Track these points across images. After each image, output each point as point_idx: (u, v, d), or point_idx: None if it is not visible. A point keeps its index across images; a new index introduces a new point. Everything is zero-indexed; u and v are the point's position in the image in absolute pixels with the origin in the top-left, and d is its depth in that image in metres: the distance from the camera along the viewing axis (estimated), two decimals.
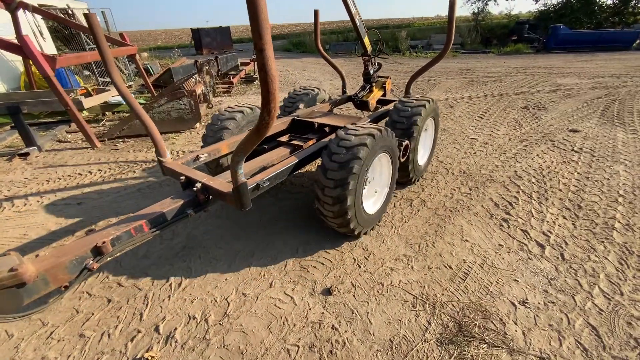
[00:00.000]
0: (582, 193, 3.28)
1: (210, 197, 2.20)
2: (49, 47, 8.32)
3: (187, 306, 2.12)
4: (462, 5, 24.73)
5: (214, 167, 3.16)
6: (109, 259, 1.86)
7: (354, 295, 2.15)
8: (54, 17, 7.13)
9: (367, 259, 2.48)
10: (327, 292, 2.18)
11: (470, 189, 3.45)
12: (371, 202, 2.82)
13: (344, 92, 4.60)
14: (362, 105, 4.19)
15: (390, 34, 19.57)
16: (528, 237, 2.66)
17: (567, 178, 3.58)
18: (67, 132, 5.99)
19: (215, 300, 2.15)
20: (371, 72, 4.26)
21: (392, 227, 2.87)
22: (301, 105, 4.00)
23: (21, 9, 6.63)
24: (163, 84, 8.92)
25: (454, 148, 4.54)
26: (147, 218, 1.88)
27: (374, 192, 2.86)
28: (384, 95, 4.46)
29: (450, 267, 2.37)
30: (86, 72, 9.85)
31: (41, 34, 7.91)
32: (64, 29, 8.09)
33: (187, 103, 5.79)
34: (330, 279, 2.30)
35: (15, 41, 5.05)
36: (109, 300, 2.18)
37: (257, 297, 2.16)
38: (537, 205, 3.10)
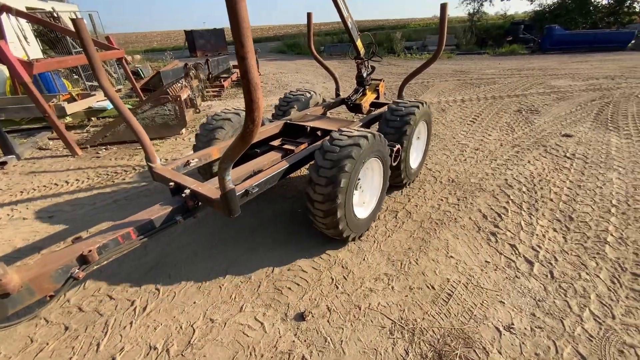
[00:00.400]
0: (573, 203, 3.15)
1: (199, 203, 2.18)
2: (34, 51, 8.16)
3: (150, 334, 1.97)
4: (457, 6, 24.81)
5: (204, 172, 3.09)
6: (95, 267, 1.79)
7: (328, 321, 2.01)
8: (38, 21, 6.97)
9: (345, 279, 2.34)
10: (300, 317, 2.04)
11: (459, 199, 3.32)
12: (362, 207, 2.79)
13: (337, 95, 4.57)
14: (355, 108, 4.16)
15: (385, 35, 19.49)
16: (516, 252, 2.54)
17: (558, 187, 3.46)
18: (49, 139, 5.83)
19: (181, 327, 2.01)
20: (364, 74, 4.23)
21: (374, 242, 2.73)
22: (294, 109, 3.96)
23: (4, 13, 6.48)
24: (152, 87, 8.76)
25: (444, 154, 4.41)
26: (135, 225, 1.86)
27: (364, 197, 2.84)
28: (377, 98, 4.43)
29: (433, 288, 2.24)
30: (75, 76, 9.69)
31: (25, 38, 7.75)
32: (50, 32, 7.92)
33: (172, 109, 5.64)
34: (305, 302, 2.16)
35: None
36: (67, 328, 2.03)
37: (225, 324, 2.02)
38: (527, 217, 2.97)
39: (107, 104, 6.51)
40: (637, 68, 10.07)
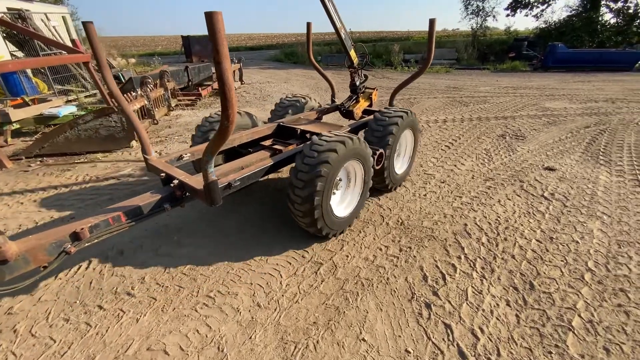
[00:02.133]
0: (540, 263, 2.55)
1: (187, 193, 2.40)
2: (1, 51, 7.83)
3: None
4: (460, 20, 24.35)
5: (200, 168, 3.18)
6: (86, 244, 1.92)
7: None
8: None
9: None
10: None
11: (401, 250, 2.74)
12: (342, 207, 2.92)
13: (332, 101, 4.78)
14: (348, 114, 4.29)
15: (384, 47, 19.07)
16: (449, 338, 1.94)
17: (526, 238, 2.86)
18: None
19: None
20: (357, 83, 4.37)
21: (276, 309, 2.16)
22: (289, 112, 4.18)
23: None
24: (124, 94, 8.36)
25: (403, 187, 3.83)
26: (125, 209, 2.05)
27: (345, 196, 2.99)
28: (370, 105, 4.55)
29: None
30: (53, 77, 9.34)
31: None
32: (18, 33, 7.61)
33: (118, 120, 5.16)
34: None
35: None
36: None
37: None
38: (477, 282, 2.37)
39: (60, 111, 6.07)
40: None
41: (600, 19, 19.65)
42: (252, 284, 2.38)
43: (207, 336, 1.96)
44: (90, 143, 5.17)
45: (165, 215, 3.18)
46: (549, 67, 14.80)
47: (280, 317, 2.10)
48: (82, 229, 1.83)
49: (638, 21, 19.41)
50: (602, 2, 20.12)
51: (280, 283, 2.39)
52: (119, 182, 4.07)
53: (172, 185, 2.33)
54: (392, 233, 2.97)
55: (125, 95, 5.89)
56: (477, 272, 2.47)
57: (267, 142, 3.44)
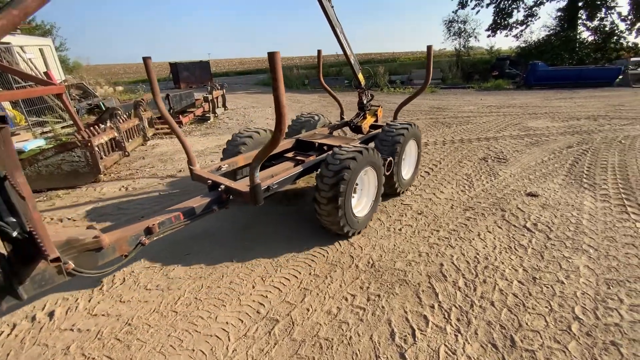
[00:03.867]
0: (521, 311, 2.27)
1: (231, 197, 2.80)
2: None
3: None
4: (443, 41, 25.03)
5: (231, 178, 3.48)
6: (155, 238, 2.28)
7: None
8: None
9: None
10: None
11: (369, 299, 2.45)
12: (359, 208, 3.34)
13: (342, 118, 5.29)
14: (356, 129, 4.85)
15: (370, 69, 19.34)
16: None
17: (507, 280, 2.59)
18: None
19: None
20: (364, 101, 4.89)
21: None
22: (303, 129, 4.73)
23: None
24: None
25: (378, 220, 3.58)
26: (183, 210, 2.46)
27: (362, 199, 3.41)
28: (376, 121, 5.07)
29: None
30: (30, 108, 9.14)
31: None
32: None
33: (82, 155, 4.91)
34: None
35: None
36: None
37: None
38: (451, 338, 2.09)
39: (26, 145, 5.82)
40: (623, 106, 9.48)
41: (578, 37, 20.31)
42: (194, 350, 2.07)
43: None
44: (52, 179, 4.89)
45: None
46: (531, 85, 15.03)
47: None
48: (153, 225, 2.25)
49: (615, 38, 20.10)
50: (579, 21, 20.90)
51: (227, 348, 2.07)
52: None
53: (219, 189, 2.78)
54: (361, 278, 2.69)
55: (96, 126, 5.68)
56: (451, 325, 2.19)
57: (290, 154, 4.01)
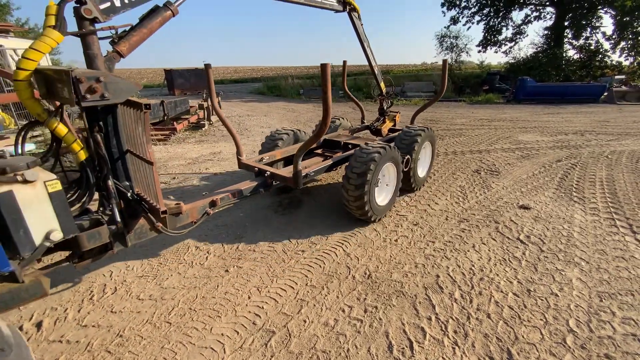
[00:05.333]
0: (517, 324, 2.29)
1: (274, 182, 3.40)
2: None
3: None
4: (435, 55, 25.70)
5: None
6: (216, 210, 2.93)
7: None
8: None
9: None
10: None
11: (366, 311, 2.44)
12: (380, 198, 3.76)
13: (362, 122, 5.80)
14: (376, 132, 5.36)
15: (364, 81, 19.64)
16: None
17: (502, 292, 2.62)
18: None
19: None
20: (385, 107, 5.50)
21: None
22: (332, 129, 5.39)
23: None
24: None
25: (374, 230, 3.60)
26: (237, 190, 3.03)
27: (383, 190, 3.84)
28: (394, 125, 5.61)
29: None
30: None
31: None
32: None
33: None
34: None
35: None
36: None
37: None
38: (449, 351, 2.08)
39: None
40: (608, 122, 9.78)
41: (564, 54, 21.03)
42: None
43: None
44: None
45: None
46: (520, 100, 15.43)
47: None
48: (216, 199, 2.77)
49: (600, 56, 20.87)
50: (565, 40, 21.68)
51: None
52: None
53: (265, 175, 3.35)
54: (358, 289, 2.68)
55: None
56: (449, 337, 2.19)
57: (319, 151, 4.59)
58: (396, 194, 3.98)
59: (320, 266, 2.99)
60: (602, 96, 15.00)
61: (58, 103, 1.97)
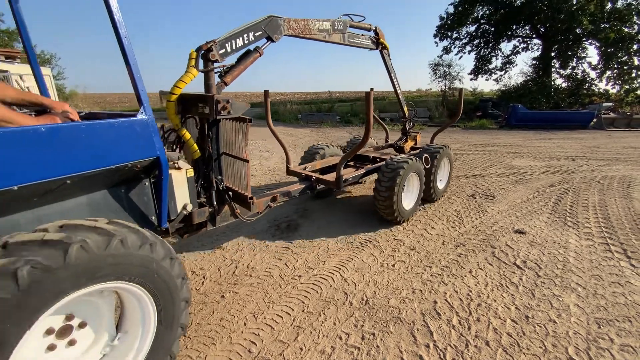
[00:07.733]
0: (516, 352, 2.27)
1: (318, 185, 4.13)
2: None
3: None
4: (429, 82, 26.63)
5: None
6: (274, 205, 3.43)
7: None
8: None
9: None
10: None
11: (363, 338, 2.41)
12: (406, 203, 4.32)
13: (386, 141, 6.48)
14: (399, 150, 6.00)
15: (361, 107, 20.13)
16: None
17: (500, 318, 2.60)
18: None
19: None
20: (407, 128, 6.13)
21: None
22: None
23: None
24: None
25: (371, 255, 3.60)
26: (288, 191, 3.67)
27: (407, 197, 4.42)
28: (416, 144, 6.24)
29: None
30: None
31: None
32: None
33: None
34: None
35: None
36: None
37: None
38: None
39: None
40: (599, 148, 10.03)
41: (553, 83, 21.84)
42: None
43: None
44: None
45: None
46: (513, 126, 15.85)
47: None
48: (276, 195, 3.41)
49: (587, 85, 21.68)
50: (553, 69, 22.59)
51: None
52: None
53: (312, 179, 4.08)
54: (355, 315, 2.65)
55: None
56: None
57: (351, 163, 5.12)
58: (419, 201, 4.57)
59: (317, 292, 2.97)
60: (592, 122, 15.46)
61: (187, 116, 2.80)
